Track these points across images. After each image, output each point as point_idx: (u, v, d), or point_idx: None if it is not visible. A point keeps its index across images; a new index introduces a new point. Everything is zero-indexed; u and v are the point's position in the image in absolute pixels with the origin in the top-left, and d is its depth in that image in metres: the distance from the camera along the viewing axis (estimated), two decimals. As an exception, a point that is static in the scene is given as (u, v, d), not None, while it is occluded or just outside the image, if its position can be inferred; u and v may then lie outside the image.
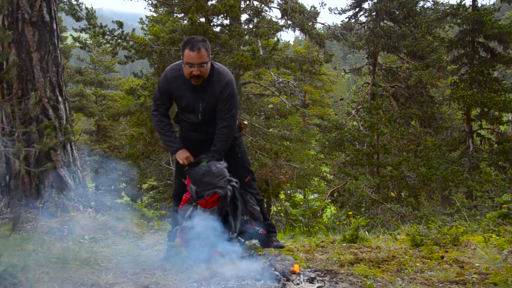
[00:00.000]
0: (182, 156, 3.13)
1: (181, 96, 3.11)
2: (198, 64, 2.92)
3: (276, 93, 15.13)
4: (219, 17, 12.38)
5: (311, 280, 2.54)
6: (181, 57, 3.03)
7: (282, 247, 3.39)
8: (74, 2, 13.26)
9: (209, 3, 11.80)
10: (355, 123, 16.75)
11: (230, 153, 3.27)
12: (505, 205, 4.36)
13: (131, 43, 11.11)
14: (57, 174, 4.00)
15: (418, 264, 2.96)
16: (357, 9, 16.99)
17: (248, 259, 2.96)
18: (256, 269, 2.64)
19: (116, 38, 10.97)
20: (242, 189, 3.35)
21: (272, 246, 3.38)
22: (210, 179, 3.05)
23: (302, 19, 13.41)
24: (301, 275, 2.58)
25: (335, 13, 17.07)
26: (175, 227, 3.23)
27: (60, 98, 4.14)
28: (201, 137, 3.23)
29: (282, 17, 13.95)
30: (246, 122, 3.51)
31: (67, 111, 4.26)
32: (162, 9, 18.83)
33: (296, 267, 2.68)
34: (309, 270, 2.77)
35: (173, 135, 3.19)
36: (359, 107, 16.08)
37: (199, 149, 3.19)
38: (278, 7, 14.05)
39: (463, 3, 13.89)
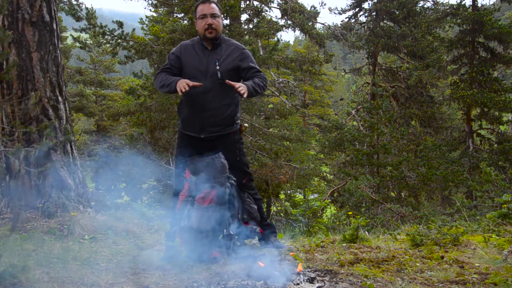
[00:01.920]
0: (183, 83, 2.90)
1: (194, 60, 3.13)
2: (211, 14, 3.09)
3: (276, 93, 15.13)
4: (219, 17, 12.36)
5: (311, 280, 2.54)
6: (195, 19, 3.18)
7: (282, 247, 3.39)
8: (74, 2, 13.27)
9: (209, 3, 11.78)
10: (355, 123, 16.75)
11: (230, 157, 3.22)
12: (505, 205, 4.36)
13: (131, 43, 11.11)
14: (57, 174, 3.99)
15: (418, 264, 2.96)
16: (357, 9, 17.00)
17: (248, 259, 2.96)
18: (256, 269, 2.64)
19: (116, 38, 10.97)
20: (240, 188, 3.35)
21: (272, 246, 3.38)
22: (211, 172, 3.04)
23: (302, 19, 13.41)
24: (301, 275, 2.58)
25: (335, 13, 17.09)
26: (173, 226, 3.23)
27: (60, 98, 4.14)
28: (206, 117, 3.10)
29: (282, 17, 13.96)
30: (246, 125, 3.49)
31: (67, 111, 4.26)
32: (162, 9, 18.85)
33: (299, 266, 2.69)
34: (309, 270, 2.77)
35: (169, 76, 3.11)
36: (359, 107, 16.08)
37: (199, 148, 3.18)
38: (278, 7, 14.06)
39: (463, 3, 13.89)
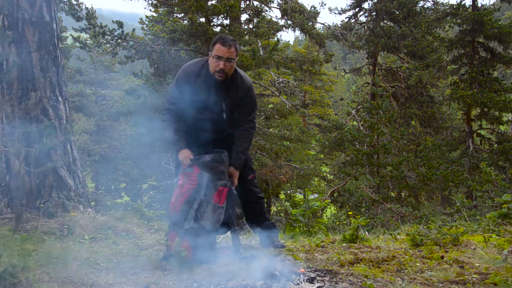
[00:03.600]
0: (185, 154, 3.07)
1: (202, 94, 3.10)
2: (227, 59, 2.99)
3: (276, 93, 15.13)
4: (219, 17, 12.37)
5: (311, 280, 2.54)
6: (210, 52, 3.07)
7: (283, 247, 3.40)
8: (74, 2, 13.26)
9: (209, 3, 11.80)
10: (355, 123, 16.74)
11: None
12: (505, 205, 4.37)
13: (131, 43, 11.11)
14: (57, 174, 3.99)
15: (418, 264, 2.96)
16: (357, 9, 16.98)
17: (248, 259, 2.96)
18: (256, 269, 2.64)
19: (116, 38, 10.96)
20: (245, 185, 3.35)
21: (273, 246, 3.38)
22: (223, 169, 3.04)
23: (302, 19, 13.41)
24: (301, 275, 2.58)
25: (335, 13, 17.07)
26: (173, 227, 3.21)
27: (60, 98, 4.13)
28: (213, 137, 3.20)
29: (282, 17, 13.96)
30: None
31: (67, 111, 4.26)
32: (162, 9, 18.83)
33: (301, 267, 2.70)
34: (309, 270, 2.77)
35: (183, 134, 3.16)
36: (359, 107, 16.07)
37: (205, 146, 3.19)
38: (278, 7, 14.05)
39: (463, 3, 13.89)
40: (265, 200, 3.89)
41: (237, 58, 3.11)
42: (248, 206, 3.39)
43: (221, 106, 3.14)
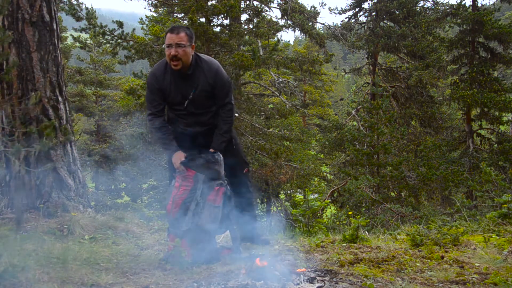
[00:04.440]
0: (178, 157, 3.09)
1: (172, 89, 3.12)
2: (176, 44, 2.97)
3: (276, 93, 15.12)
4: (219, 17, 12.38)
5: (311, 280, 2.54)
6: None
7: (267, 243, 3.44)
8: (74, 2, 13.27)
9: (209, 3, 11.80)
10: (355, 123, 16.74)
11: (227, 146, 3.28)
12: (505, 205, 4.36)
13: (131, 43, 11.11)
14: (57, 174, 3.99)
15: (418, 264, 2.96)
16: (357, 9, 16.99)
17: (248, 259, 2.96)
18: (256, 269, 2.64)
19: (116, 38, 10.96)
20: (240, 179, 3.37)
21: (259, 243, 3.45)
22: (218, 168, 3.04)
23: (302, 19, 13.41)
24: (301, 275, 2.58)
25: (335, 13, 17.07)
26: (172, 228, 3.21)
27: (60, 98, 4.13)
28: (198, 130, 3.21)
29: (282, 17, 13.96)
30: (236, 115, 3.57)
31: (67, 111, 4.26)
32: (162, 9, 18.84)
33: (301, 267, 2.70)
34: (309, 270, 2.77)
35: (170, 137, 3.16)
36: (359, 107, 16.07)
37: (193, 142, 3.19)
38: (278, 7, 14.06)
39: (463, 3, 13.89)
40: (264, 200, 3.90)
41: (192, 44, 3.07)
42: (237, 197, 3.38)
43: (189, 95, 3.11)
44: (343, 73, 24.27)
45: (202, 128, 3.22)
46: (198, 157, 3.03)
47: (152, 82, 3.15)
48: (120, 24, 10.90)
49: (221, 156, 3.10)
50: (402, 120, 15.81)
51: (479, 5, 14.31)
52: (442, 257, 3.08)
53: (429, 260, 3.05)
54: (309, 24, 13.67)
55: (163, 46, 3.14)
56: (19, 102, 3.82)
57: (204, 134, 3.22)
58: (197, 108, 3.17)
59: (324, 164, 21.13)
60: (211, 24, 12.13)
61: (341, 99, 28.12)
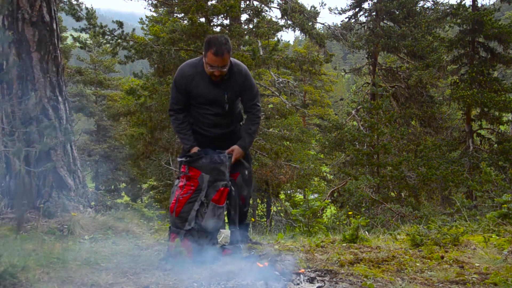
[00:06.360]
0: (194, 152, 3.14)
1: (203, 92, 3.13)
2: (221, 67, 3.00)
3: (276, 93, 15.12)
4: (219, 17, 12.38)
5: (311, 280, 2.54)
6: (203, 56, 3.06)
7: (258, 244, 3.52)
8: (74, 2, 13.27)
9: (209, 3, 11.81)
10: (355, 123, 16.74)
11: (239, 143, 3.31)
12: (505, 205, 4.36)
13: (131, 43, 11.11)
14: (57, 174, 3.99)
15: (418, 264, 2.96)
16: (357, 9, 16.99)
17: (248, 259, 2.96)
18: (256, 269, 2.64)
19: (116, 38, 10.96)
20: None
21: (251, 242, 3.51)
22: (224, 169, 3.04)
23: (302, 19, 13.41)
24: (301, 275, 2.58)
25: (335, 13, 17.08)
26: (174, 228, 3.21)
27: (60, 98, 4.13)
28: (220, 132, 3.25)
29: (282, 17, 13.96)
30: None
31: (67, 111, 4.26)
32: (162, 9, 18.86)
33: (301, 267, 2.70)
34: (309, 270, 2.77)
35: (189, 133, 3.22)
36: (359, 107, 16.07)
37: (212, 144, 3.22)
38: (278, 7, 14.06)
39: (463, 3, 13.90)
40: (264, 200, 3.92)
41: (231, 54, 3.09)
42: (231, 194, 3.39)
43: (223, 99, 3.16)
44: (343, 73, 24.28)
45: (223, 130, 3.26)
46: (205, 158, 3.04)
47: (180, 81, 3.16)
48: (120, 24, 10.89)
49: (227, 157, 3.11)
50: (402, 120, 15.80)
51: (479, 5, 14.32)
52: (442, 257, 3.08)
53: (429, 260, 3.05)
54: (309, 24, 13.67)
55: (205, 61, 3.03)
56: (19, 102, 3.82)
57: (225, 137, 3.26)
58: (227, 110, 3.20)
59: (324, 164, 21.13)
60: (211, 24, 12.13)
61: (341, 99, 28.11)
